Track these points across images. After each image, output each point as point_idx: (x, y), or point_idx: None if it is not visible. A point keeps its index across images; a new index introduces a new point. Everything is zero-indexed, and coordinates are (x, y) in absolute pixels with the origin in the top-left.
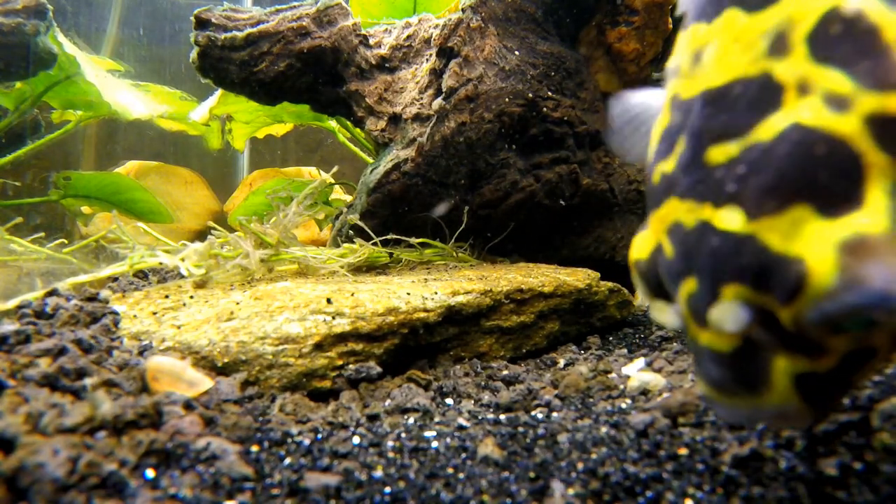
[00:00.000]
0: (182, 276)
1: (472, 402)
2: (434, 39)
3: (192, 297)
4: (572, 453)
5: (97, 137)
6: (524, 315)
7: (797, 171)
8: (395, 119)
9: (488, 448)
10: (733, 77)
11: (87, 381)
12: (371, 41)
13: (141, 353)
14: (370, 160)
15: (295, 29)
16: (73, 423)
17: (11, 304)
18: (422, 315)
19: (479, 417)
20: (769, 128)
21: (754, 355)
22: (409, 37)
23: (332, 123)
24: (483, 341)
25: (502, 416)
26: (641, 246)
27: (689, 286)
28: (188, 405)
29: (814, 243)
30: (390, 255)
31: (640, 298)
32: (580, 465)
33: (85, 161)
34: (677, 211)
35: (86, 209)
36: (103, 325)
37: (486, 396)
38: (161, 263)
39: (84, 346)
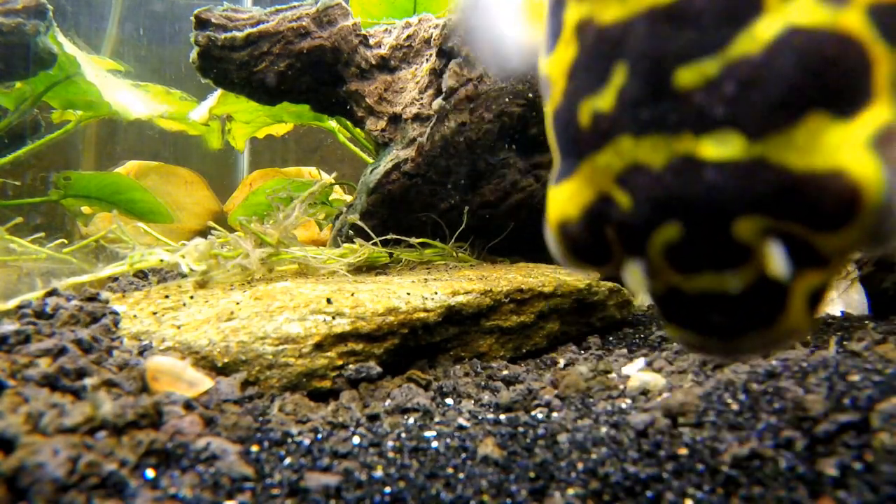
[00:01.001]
0: (182, 276)
1: (472, 402)
2: (434, 39)
3: (192, 297)
4: (572, 453)
5: (97, 137)
6: (524, 315)
7: (808, 78)
8: (395, 119)
9: (488, 448)
10: None
11: (87, 381)
12: (371, 41)
13: (141, 353)
14: (370, 160)
15: (295, 29)
16: (73, 423)
17: (11, 304)
18: (422, 315)
19: (479, 417)
20: (755, 38)
21: (772, 288)
22: (409, 37)
23: (332, 123)
24: (483, 341)
25: (502, 416)
26: (568, 203)
27: (668, 234)
28: (188, 405)
29: (845, 149)
30: (390, 255)
31: (634, 295)
32: (580, 465)
33: (85, 161)
34: (633, 152)
35: (86, 209)
36: (103, 325)
37: (486, 396)
38: (161, 261)
39: (84, 346)
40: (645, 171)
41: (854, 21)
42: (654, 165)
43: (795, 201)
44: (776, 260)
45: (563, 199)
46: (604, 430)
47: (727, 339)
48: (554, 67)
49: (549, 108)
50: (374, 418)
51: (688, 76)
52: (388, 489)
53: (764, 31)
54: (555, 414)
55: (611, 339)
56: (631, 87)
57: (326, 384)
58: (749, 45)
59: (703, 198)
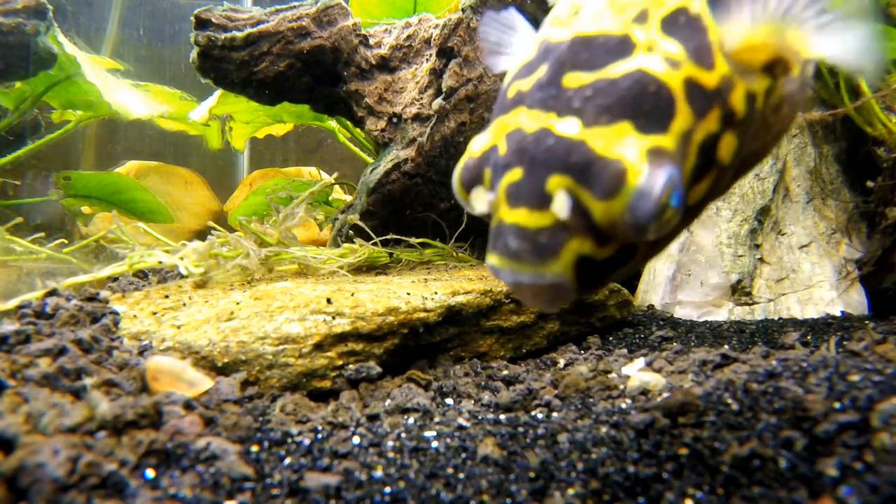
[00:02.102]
0: (182, 276)
1: (472, 402)
2: (434, 39)
3: (191, 297)
4: (572, 453)
5: (97, 137)
6: (524, 315)
7: (631, 99)
8: (395, 119)
9: (488, 448)
10: (602, 31)
11: (87, 381)
12: (371, 41)
13: (141, 353)
14: (370, 160)
15: (295, 29)
16: (73, 423)
17: (11, 304)
18: (422, 315)
19: (479, 417)
20: (618, 68)
21: (555, 234)
22: (409, 37)
23: (332, 123)
24: (483, 341)
25: (502, 416)
26: (478, 147)
27: (513, 175)
28: (188, 405)
29: (630, 149)
30: (390, 255)
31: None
32: (580, 465)
33: (85, 161)
34: (522, 118)
35: (86, 209)
36: (103, 325)
37: (486, 396)
38: (160, 263)
39: (84, 346)
40: (521, 132)
41: (675, 81)
42: (527, 129)
43: (588, 171)
44: (562, 205)
45: (476, 144)
46: (604, 430)
47: (517, 264)
48: (520, 63)
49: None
50: (374, 418)
51: (572, 78)
52: (388, 489)
53: (626, 66)
54: (555, 414)
55: (611, 339)
56: (542, 78)
57: (326, 384)
58: (614, 71)
59: (540, 156)
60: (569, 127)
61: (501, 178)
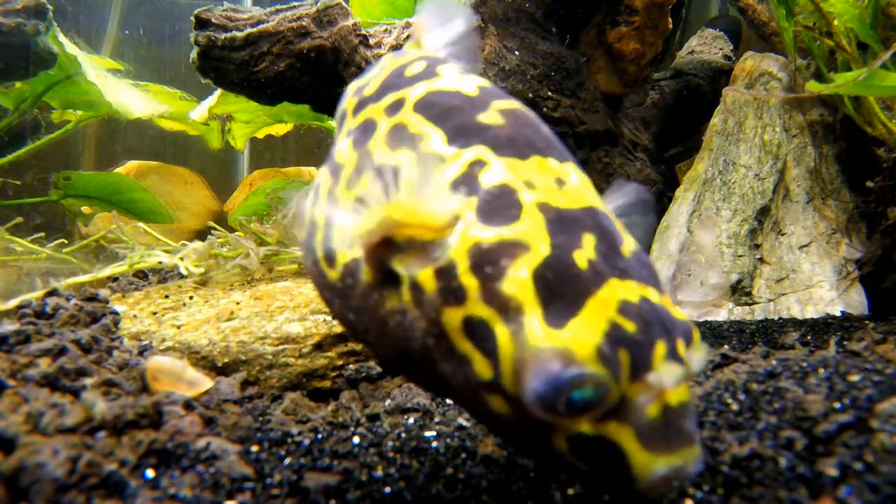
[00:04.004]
0: (182, 276)
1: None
2: None
3: (191, 297)
4: None
5: (97, 137)
6: None
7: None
8: None
9: (488, 448)
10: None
11: (87, 381)
12: (371, 41)
13: (141, 353)
14: None
15: (295, 29)
16: (72, 422)
17: (11, 304)
18: None
19: None
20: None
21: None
22: (409, 37)
23: (333, 123)
24: None
25: None
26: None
27: (661, 349)
28: (188, 405)
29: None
30: None
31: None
32: None
33: (85, 161)
34: (621, 291)
35: (86, 209)
36: (103, 325)
37: None
38: (160, 263)
39: (84, 346)
40: (634, 304)
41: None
42: (637, 300)
43: (689, 334)
44: (695, 365)
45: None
46: None
47: (693, 451)
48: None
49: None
50: (374, 418)
51: (625, 250)
52: (388, 489)
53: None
54: None
55: None
56: (602, 248)
57: (326, 384)
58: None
59: (668, 324)
60: (656, 295)
61: (653, 355)
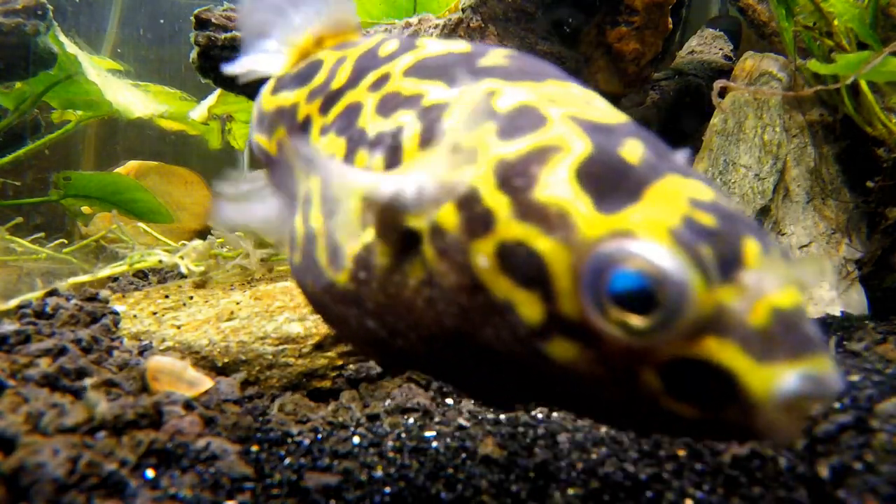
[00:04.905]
0: (182, 276)
1: (473, 401)
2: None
3: (191, 297)
4: (572, 453)
5: (97, 137)
6: None
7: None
8: None
9: (488, 448)
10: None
11: (87, 381)
12: None
13: (141, 353)
14: None
15: None
16: (72, 422)
17: (11, 304)
18: None
19: (479, 417)
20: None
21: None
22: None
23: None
24: None
25: (502, 416)
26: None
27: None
28: (188, 405)
29: None
30: None
31: None
32: (580, 465)
33: (85, 161)
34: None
35: (86, 209)
36: (103, 325)
37: None
38: (160, 263)
39: (84, 346)
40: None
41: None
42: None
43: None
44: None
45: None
46: (603, 430)
47: (826, 362)
48: None
49: None
50: (374, 418)
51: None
52: (388, 489)
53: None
54: (555, 414)
55: None
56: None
57: (326, 384)
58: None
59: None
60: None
61: (743, 250)
